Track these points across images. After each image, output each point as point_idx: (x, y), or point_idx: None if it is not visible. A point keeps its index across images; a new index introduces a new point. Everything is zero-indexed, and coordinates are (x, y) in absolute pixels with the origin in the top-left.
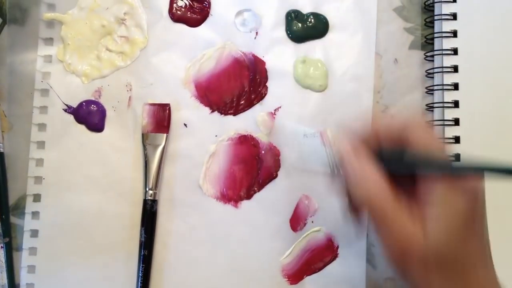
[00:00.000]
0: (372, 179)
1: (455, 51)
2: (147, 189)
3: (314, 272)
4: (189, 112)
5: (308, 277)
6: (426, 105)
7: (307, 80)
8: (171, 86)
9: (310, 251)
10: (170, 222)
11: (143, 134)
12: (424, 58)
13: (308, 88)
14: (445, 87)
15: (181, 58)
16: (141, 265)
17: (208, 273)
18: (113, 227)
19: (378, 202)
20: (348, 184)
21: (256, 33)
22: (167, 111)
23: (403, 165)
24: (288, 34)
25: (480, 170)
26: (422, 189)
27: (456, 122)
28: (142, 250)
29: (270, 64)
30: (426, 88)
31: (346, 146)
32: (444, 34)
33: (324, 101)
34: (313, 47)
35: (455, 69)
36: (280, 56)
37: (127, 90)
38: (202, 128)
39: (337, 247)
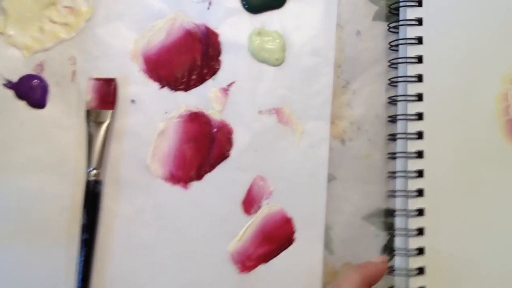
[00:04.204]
0: None
1: (419, 21)
2: (90, 169)
3: (268, 258)
4: (137, 87)
5: (261, 264)
6: (389, 79)
7: (262, 54)
8: (118, 59)
9: (264, 236)
10: (115, 204)
11: (87, 111)
12: (388, 29)
13: (263, 62)
14: (408, 60)
15: (129, 30)
16: (82, 249)
17: (155, 257)
18: (54, 209)
19: None
20: None
21: (209, 3)
22: (113, 86)
23: None
24: (243, 4)
25: None
26: None
27: (420, 97)
28: (84, 234)
29: (224, 36)
30: (389, 61)
31: None
32: (408, 3)
33: (280, 75)
34: (270, 18)
35: (420, 40)
36: (235, 28)
37: (71, 64)
38: (151, 104)
39: (293, 232)
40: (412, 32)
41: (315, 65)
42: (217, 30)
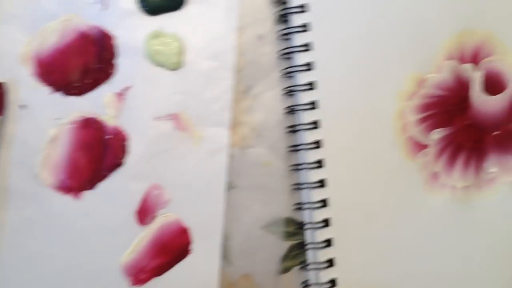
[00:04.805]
0: None
1: (305, 27)
2: None
3: (163, 270)
4: (28, 92)
5: (155, 277)
6: (283, 89)
7: (159, 57)
8: (7, 63)
9: (158, 247)
10: (3, 215)
11: None
12: (278, 36)
13: (160, 66)
14: (299, 68)
15: (20, 32)
16: None
17: (44, 269)
18: None
19: None
20: None
21: (105, 4)
22: (1, 90)
23: None
24: (140, 6)
25: None
26: None
27: (313, 105)
28: None
29: (120, 39)
30: (281, 70)
31: None
32: (294, 10)
33: (178, 80)
34: (168, 21)
35: (308, 47)
36: (131, 31)
37: None
38: (43, 109)
39: (190, 243)
40: (301, 39)
41: (214, 70)
42: (112, 33)
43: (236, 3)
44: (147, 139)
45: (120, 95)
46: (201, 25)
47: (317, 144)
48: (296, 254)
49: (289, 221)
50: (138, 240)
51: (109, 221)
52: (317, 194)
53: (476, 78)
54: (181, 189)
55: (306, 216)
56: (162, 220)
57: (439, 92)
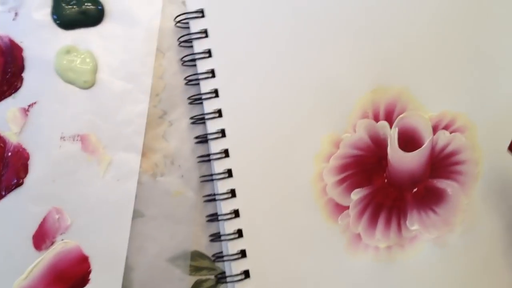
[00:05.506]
0: None
1: (209, 54)
2: None
3: None
4: None
5: None
6: (191, 117)
7: (69, 74)
8: None
9: (54, 275)
10: None
11: None
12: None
13: (71, 83)
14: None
15: None
16: None
17: None
18: None
19: None
20: None
21: (16, 13)
22: None
23: None
24: (54, 19)
25: None
26: None
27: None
28: None
29: (29, 51)
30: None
31: None
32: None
33: (89, 100)
34: (83, 37)
35: (214, 74)
36: (42, 43)
37: None
38: None
39: (89, 272)
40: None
41: (129, 91)
42: (21, 44)
43: (158, 25)
44: (51, 160)
45: (25, 110)
46: (118, 44)
47: (229, 174)
48: None
49: (196, 255)
50: (33, 265)
51: (3, 244)
52: (232, 226)
53: (391, 135)
54: (84, 214)
55: (223, 248)
56: (60, 246)
57: (356, 152)
